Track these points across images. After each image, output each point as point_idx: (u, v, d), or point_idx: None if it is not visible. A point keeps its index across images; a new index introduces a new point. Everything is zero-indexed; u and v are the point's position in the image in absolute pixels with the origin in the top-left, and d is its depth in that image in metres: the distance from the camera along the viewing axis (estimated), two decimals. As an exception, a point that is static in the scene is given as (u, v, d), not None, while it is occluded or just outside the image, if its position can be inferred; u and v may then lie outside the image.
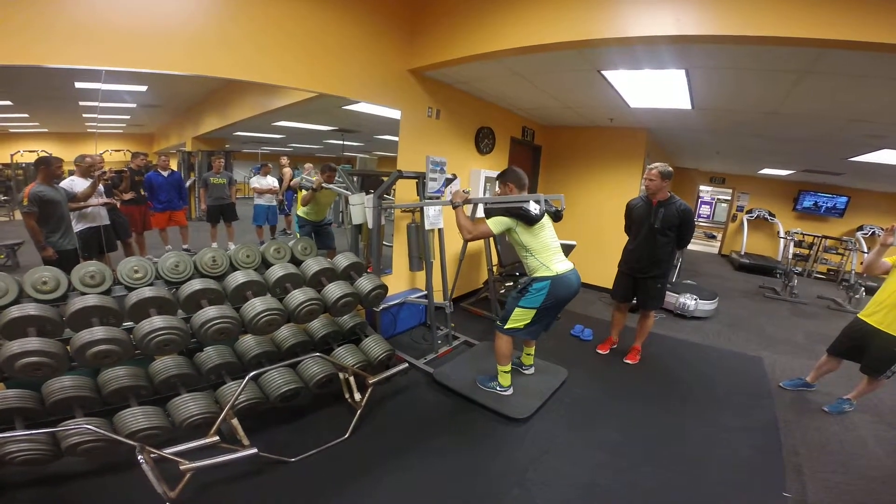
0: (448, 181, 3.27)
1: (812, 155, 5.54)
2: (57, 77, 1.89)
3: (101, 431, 1.65)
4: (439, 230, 3.36)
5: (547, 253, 2.44)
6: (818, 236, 8.35)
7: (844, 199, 8.56)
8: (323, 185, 3.07)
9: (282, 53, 2.48)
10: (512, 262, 4.45)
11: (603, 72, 2.96)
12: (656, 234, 3.12)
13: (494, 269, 4.31)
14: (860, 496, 2.10)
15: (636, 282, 3.33)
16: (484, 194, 4.45)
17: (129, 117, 2.26)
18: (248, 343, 2.37)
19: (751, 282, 7.33)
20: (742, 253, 9.09)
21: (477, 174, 4.39)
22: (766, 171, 8.13)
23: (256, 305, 2.12)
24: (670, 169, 3.05)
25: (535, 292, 2.42)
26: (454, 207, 2.47)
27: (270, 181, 3.05)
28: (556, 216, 2.56)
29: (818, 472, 2.25)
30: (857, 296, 5.84)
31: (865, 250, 7.61)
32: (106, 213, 2.29)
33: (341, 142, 3.37)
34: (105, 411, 1.89)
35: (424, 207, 3.15)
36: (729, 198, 10.20)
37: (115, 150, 2.28)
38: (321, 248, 2.95)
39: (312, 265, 2.52)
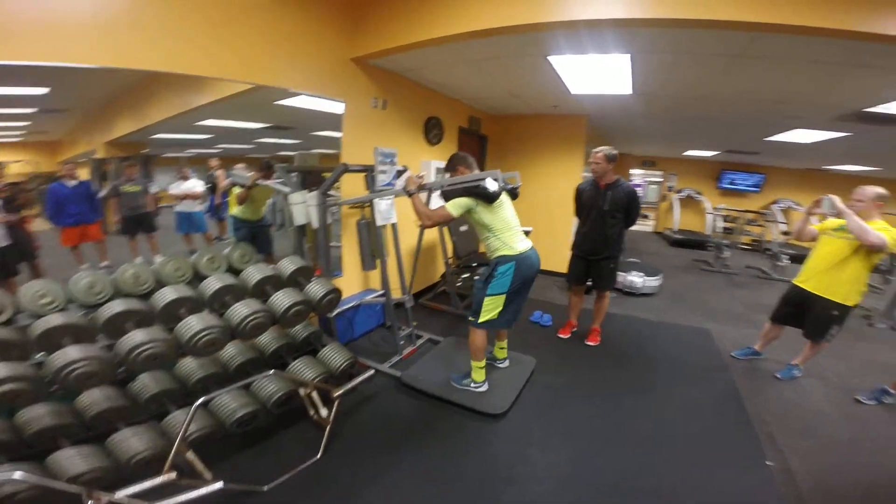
0: (399, 173, 3.12)
1: (734, 136, 5.95)
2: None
3: (34, 478, 1.36)
4: (393, 225, 3.21)
5: (509, 232, 2.40)
6: (740, 210, 9.09)
7: (761, 176, 9.36)
8: (257, 182, 2.80)
9: (208, 41, 2.19)
10: (468, 254, 4.38)
11: (549, 57, 2.93)
12: (606, 216, 3.18)
13: (451, 261, 4.23)
14: (832, 458, 2.22)
15: (590, 264, 3.38)
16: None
17: (29, 123, 1.96)
18: (190, 366, 2.11)
19: (685, 256, 7.82)
20: (675, 230, 9.69)
21: (428, 165, 4.26)
22: (690, 152, 8.68)
23: (193, 325, 1.87)
24: (615, 152, 3.11)
25: (502, 276, 2.36)
26: (409, 195, 2.36)
27: (189, 186, 2.71)
28: (513, 193, 2.54)
29: (787, 438, 2.36)
30: (781, 263, 6.38)
31: (781, 221, 8.40)
32: (4, 231, 1.96)
33: (275, 140, 3.09)
34: (30, 455, 1.60)
35: (375, 202, 2.98)
36: (660, 179, 10.82)
37: (15, 161, 1.97)
38: (259, 253, 2.69)
39: (254, 274, 2.28)
